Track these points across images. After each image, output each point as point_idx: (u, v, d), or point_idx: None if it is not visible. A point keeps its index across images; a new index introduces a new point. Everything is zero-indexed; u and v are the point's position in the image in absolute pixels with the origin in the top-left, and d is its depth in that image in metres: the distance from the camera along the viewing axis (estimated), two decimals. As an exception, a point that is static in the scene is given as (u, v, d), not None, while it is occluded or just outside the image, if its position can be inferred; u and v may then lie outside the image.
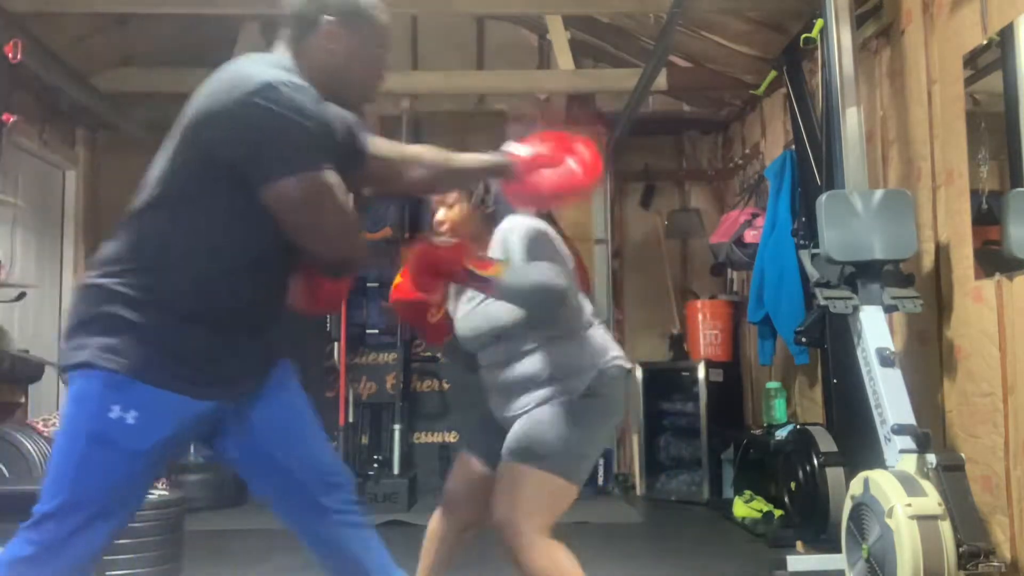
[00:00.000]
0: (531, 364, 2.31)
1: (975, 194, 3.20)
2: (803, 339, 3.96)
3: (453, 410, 6.20)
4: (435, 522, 2.64)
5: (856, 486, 2.92)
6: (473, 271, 2.17)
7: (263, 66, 1.64)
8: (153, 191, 1.69)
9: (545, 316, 2.26)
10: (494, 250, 2.33)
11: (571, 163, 2.12)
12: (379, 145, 1.98)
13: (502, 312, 2.26)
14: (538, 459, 2.24)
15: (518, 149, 2.12)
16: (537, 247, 2.26)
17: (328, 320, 5.84)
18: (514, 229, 2.30)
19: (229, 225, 1.66)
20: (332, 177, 1.62)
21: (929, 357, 3.49)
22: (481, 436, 2.49)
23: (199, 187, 1.64)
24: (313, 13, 1.75)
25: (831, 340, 3.91)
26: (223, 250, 1.67)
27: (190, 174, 1.64)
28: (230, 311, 1.71)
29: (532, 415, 2.29)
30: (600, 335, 2.39)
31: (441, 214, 2.42)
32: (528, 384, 2.31)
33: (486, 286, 2.21)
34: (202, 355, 1.69)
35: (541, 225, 2.33)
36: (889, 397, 3.03)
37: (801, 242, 4.24)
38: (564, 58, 5.59)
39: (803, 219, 4.38)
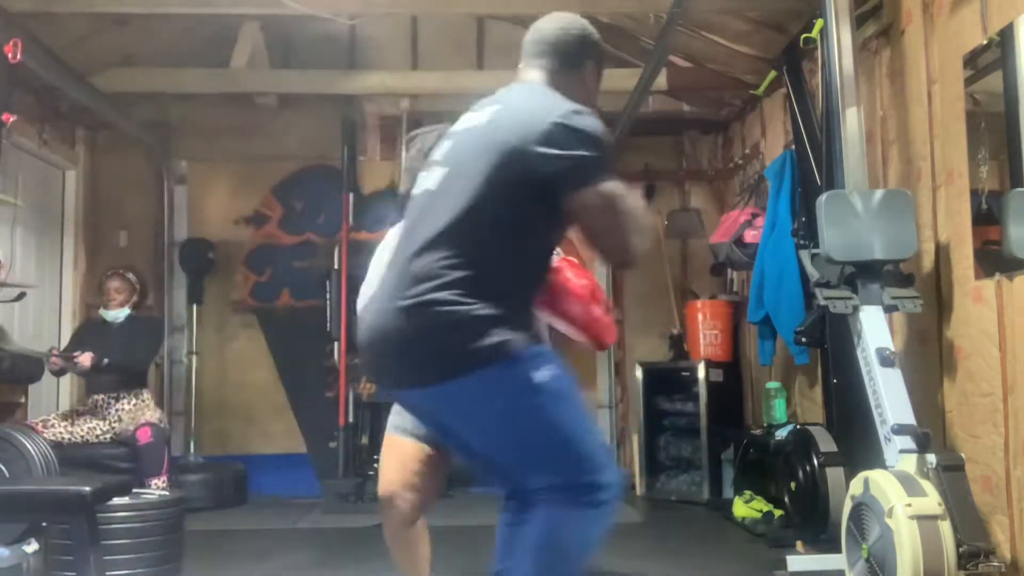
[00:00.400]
0: None
1: (975, 194, 3.20)
2: (803, 339, 3.96)
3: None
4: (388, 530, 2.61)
5: (856, 486, 2.92)
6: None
7: (558, 99, 1.93)
8: (472, 213, 1.86)
9: None
10: None
11: (599, 314, 2.12)
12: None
13: None
14: None
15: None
16: None
17: (328, 320, 5.84)
18: None
19: (531, 235, 1.90)
20: (615, 186, 1.86)
21: (929, 357, 3.49)
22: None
23: (512, 210, 1.86)
24: (581, 57, 2.08)
25: (831, 340, 3.91)
26: (526, 255, 1.92)
27: (502, 201, 1.86)
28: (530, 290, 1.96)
29: None
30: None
31: None
32: None
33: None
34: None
35: None
36: (889, 397, 3.03)
37: (801, 242, 4.24)
38: (564, 58, 5.58)
39: (803, 219, 4.38)
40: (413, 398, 2.01)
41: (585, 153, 1.83)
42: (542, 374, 1.82)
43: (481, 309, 1.79)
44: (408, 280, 1.84)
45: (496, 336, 1.79)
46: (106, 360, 4.69)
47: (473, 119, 1.98)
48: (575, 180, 1.83)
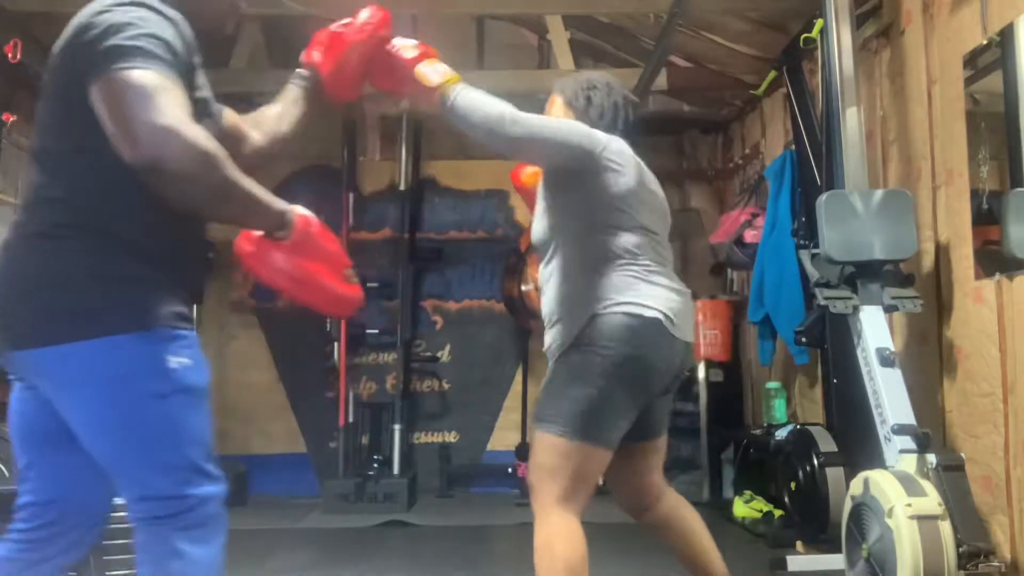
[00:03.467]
0: (558, 302, 2.27)
1: (975, 194, 3.20)
2: (803, 339, 3.96)
3: (453, 410, 6.21)
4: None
5: (856, 486, 2.92)
6: (421, 74, 2.18)
7: None
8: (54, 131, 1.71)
9: (495, 147, 2.22)
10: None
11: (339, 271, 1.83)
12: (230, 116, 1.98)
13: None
14: (544, 422, 2.19)
15: (303, 211, 1.79)
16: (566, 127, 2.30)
17: (328, 320, 5.84)
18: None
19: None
20: (160, 80, 1.57)
21: (929, 357, 3.49)
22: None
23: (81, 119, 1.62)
24: None
25: (831, 340, 3.91)
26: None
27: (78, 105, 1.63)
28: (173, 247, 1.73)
29: (547, 376, 2.27)
30: (621, 276, 2.23)
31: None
32: (555, 323, 2.28)
33: (428, 96, 2.21)
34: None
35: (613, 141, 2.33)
36: (889, 397, 3.03)
37: (801, 242, 4.24)
38: (564, 58, 5.59)
39: (803, 219, 4.38)
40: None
41: (112, 41, 1.57)
42: (169, 361, 1.62)
43: (91, 257, 1.60)
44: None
45: (114, 297, 1.60)
46: None
47: None
48: (97, 67, 1.57)
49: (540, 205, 2.40)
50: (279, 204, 1.72)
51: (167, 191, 1.57)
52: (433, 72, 2.28)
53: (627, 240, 2.27)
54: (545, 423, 2.19)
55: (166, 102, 1.54)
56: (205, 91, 1.80)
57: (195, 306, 6.06)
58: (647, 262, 2.28)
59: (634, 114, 2.53)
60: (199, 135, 1.55)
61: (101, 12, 1.63)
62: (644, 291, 2.24)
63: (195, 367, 1.68)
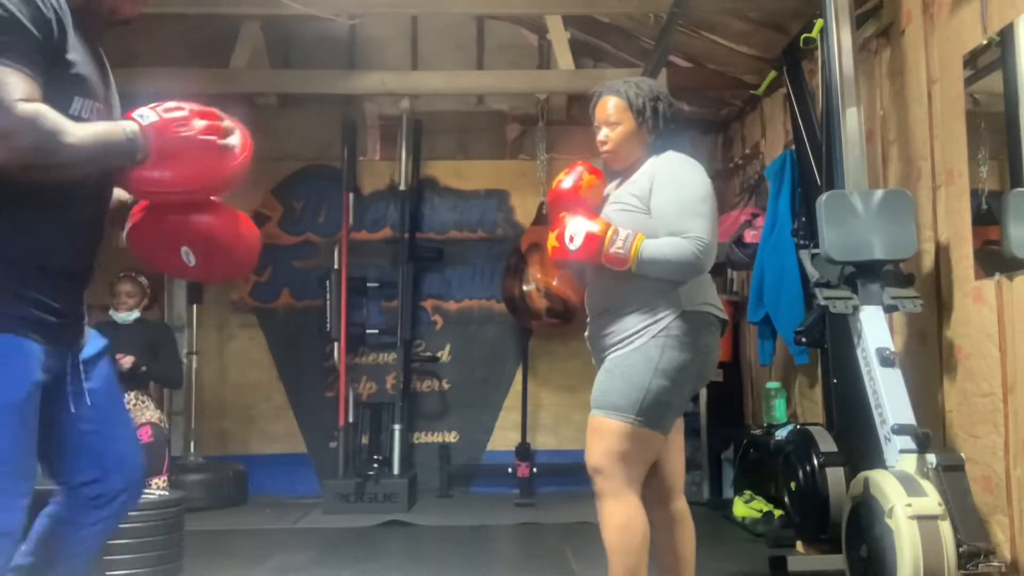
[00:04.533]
0: (626, 294, 2.40)
1: (975, 194, 3.20)
2: (803, 339, 3.96)
3: (453, 410, 6.21)
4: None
5: (856, 486, 2.92)
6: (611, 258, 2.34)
7: None
8: None
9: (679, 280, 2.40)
10: (639, 182, 2.46)
11: (218, 139, 1.78)
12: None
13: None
14: (613, 408, 2.35)
15: (147, 114, 1.76)
16: (699, 198, 2.43)
17: (328, 320, 5.84)
18: (673, 169, 2.47)
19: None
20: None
21: (929, 357, 3.49)
22: None
23: None
24: None
25: (831, 340, 3.90)
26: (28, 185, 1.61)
27: None
28: (54, 255, 1.69)
29: (609, 364, 2.40)
30: (701, 279, 2.44)
31: (603, 134, 2.53)
32: (619, 313, 2.41)
33: (619, 262, 2.35)
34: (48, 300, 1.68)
35: (701, 171, 2.49)
36: (889, 397, 3.03)
37: (801, 242, 4.24)
38: (564, 58, 5.59)
39: (803, 219, 4.38)
40: None
41: None
42: None
43: None
44: None
45: None
46: (144, 367, 4.84)
47: None
48: None
49: (614, 207, 2.53)
50: (120, 126, 1.70)
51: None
52: (619, 250, 2.39)
53: None
54: (619, 412, 2.35)
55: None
56: (81, 68, 1.74)
57: (196, 307, 6.08)
58: None
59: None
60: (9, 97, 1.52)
61: None
62: (713, 292, 2.49)
63: None
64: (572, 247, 2.40)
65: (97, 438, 1.84)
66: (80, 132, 1.62)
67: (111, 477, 1.86)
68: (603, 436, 2.39)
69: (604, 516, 2.40)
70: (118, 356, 4.72)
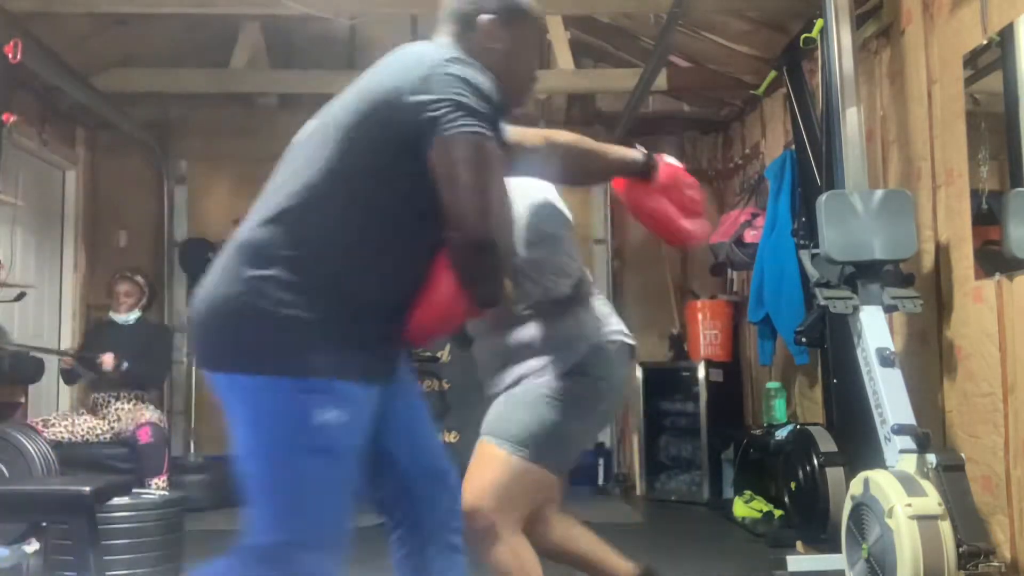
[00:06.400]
0: (526, 331, 2.13)
1: (975, 194, 3.20)
2: (803, 339, 3.95)
3: (453, 410, 6.20)
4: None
5: (856, 486, 2.92)
6: None
7: (440, 48, 1.73)
8: (314, 181, 1.61)
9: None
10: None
11: (693, 214, 2.20)
12: (514, 133, 1.94)
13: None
14: (515, 442, 2.05)
15: (670, 160, 2.20)
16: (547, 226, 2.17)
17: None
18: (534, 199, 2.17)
19: (400, 211, 1.63)
20: (497, 151, 1.61)
21: (929, 357, 3.49)
22: None
23: (375, 167, 1.60)
24: (472, 12, 1.81)
25: (831, 340, 3.91)
26: (392, 238, 1.63)
27: (365, 156, 1.60)
28: (397, 296, 1.67)
29: (513, 392, 2.13)
30: (600, 306, 2.23)
31: None
32: (521, 352, 2.13)
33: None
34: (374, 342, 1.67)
35: (552, 194, 2.23)
36: (889, 397, 3.02)
37: (801, 242, 4.24)
38: (564, 58, 5.59)
39: (803, 219, 4.38)
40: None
41: (458, 97, 1.55)
42: (314, 414, 1.55)
43: (293, 306, 1.55)
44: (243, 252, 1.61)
45: (293, 343, 1.56)
46: (125, 364, 4.78)
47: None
48: (442, 125, 1.54)
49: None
50: (632, 155, 2.08)
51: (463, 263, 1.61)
52: None
53: (583, 271, 2.27)
54: (519, 446, 2.06)
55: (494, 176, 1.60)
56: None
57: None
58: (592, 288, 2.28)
59: None
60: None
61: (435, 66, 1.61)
62: (617, 319, 2.26)
63: (338, 426, 1.58)
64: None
65: None
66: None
67: None
68: (493, 468, 2.07)
69: (497, 555, 2.04)
70: (101, 356, 4.72)
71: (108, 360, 4.70)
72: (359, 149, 1.60)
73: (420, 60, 1.63)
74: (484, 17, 1.80)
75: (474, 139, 1.55)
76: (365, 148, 1.60)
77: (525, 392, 2.13)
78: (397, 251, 1.65)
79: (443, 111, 1.54)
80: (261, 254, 1.58)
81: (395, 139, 1.58)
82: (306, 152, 1.66)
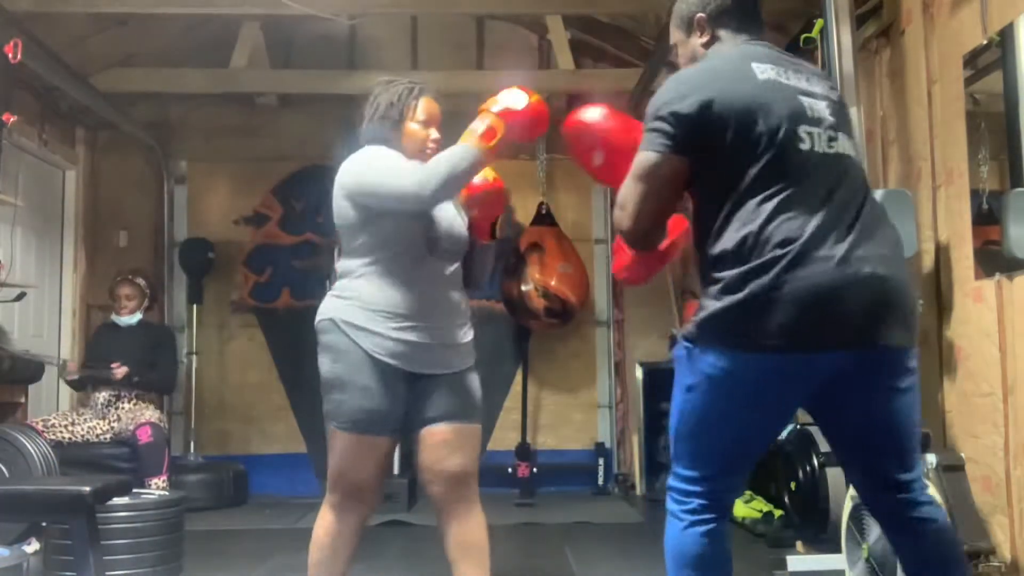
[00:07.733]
0: (454, 296, 2.67)
1: (975, 194, 3.20)
2: (803, 339, 3.95)
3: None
4: (337, 524, 2.51)
5: (856, 486, 2.92)
6: None
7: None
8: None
9: None
10: None
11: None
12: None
13: None
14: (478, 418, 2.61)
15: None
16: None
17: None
18: None
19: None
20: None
21: (929, 357, 3.49)
22: (396, 406, 2.48)
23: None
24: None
25: (831, 340, 3.90)
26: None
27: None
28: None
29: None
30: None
31: (435, 135, 2.62)
32: (463, 320, 2.68)
33: None
34: None
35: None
36: (889, 397, 3.02)
37: (801, 242, 4.23)
38: (564, 58, 5.59)
39: (803, 219, 4.37)
40: (849, 360, 1.85)
41: None
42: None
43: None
44: (877, 237, 1.90)
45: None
46: (136, 379, 4.87)
47: (795, 79, 1.95)
48: None
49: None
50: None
51: None
52: None
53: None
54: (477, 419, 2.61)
55: None
56: None
57: (196, 307, 6.05)
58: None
59: None
60: None
61: None
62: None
63: None
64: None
65: None
66: None
67: None
68: (475, 446, 2.61)
69: (481, 520, 2.62)
70: (112, 366, 4.76)
71: (120, 372, 4.77)
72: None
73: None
74: None
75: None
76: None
77: (474, 375, 2.97)
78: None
79: None
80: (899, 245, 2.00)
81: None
82: (851, 168, 2.01)
